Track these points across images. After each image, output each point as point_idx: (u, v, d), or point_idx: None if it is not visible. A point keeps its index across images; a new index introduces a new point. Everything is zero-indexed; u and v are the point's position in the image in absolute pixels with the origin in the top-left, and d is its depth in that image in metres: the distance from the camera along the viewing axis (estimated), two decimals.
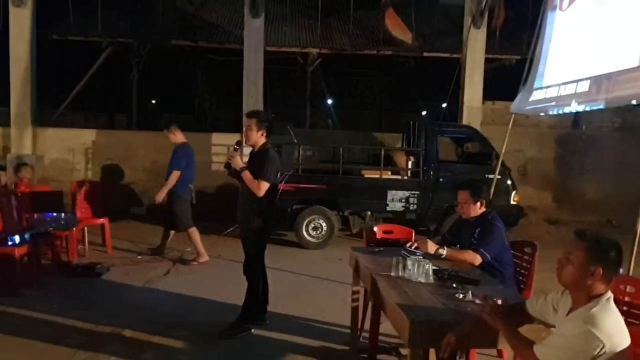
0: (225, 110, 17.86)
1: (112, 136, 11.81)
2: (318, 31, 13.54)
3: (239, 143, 4.47)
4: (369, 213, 8.69)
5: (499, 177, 7.85)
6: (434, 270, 3.41)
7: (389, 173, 8.93)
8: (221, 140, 10.89)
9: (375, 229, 4.92)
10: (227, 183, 9.20)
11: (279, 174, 4.45)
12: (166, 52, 14.78)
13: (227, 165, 4.39)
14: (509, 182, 8.68)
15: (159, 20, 13.62)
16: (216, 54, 14.46)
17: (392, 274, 3.43)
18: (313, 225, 8.51)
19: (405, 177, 8.91)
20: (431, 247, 3.91)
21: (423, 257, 3.52)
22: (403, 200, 8.55)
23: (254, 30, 10.51)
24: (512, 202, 8.64)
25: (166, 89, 19.55)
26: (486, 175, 8.04)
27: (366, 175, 8.82)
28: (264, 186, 4.27)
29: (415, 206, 8.56)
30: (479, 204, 4.10)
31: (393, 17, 13.41)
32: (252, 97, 10.32)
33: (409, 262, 3.41)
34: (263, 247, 4.55)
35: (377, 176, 8.70)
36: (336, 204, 8.63)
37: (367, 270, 3.67)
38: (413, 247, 3.92)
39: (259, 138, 4.42)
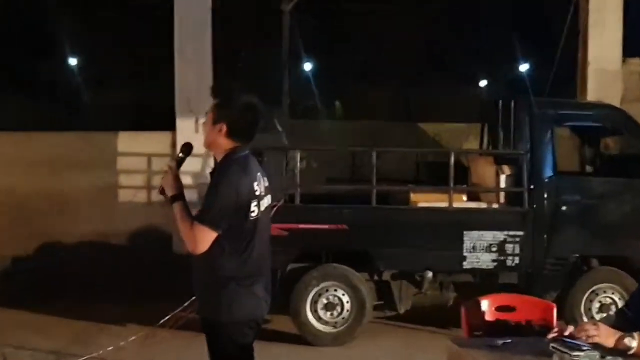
0: (123, 89, 17.66)
1: None
2: None
3: (186, 149, 4.36)
4: (429, 275, 8.22)
5: None
6: None
7: (464, 198, 8.69)
8: (138, 146, 10.65)
9: (484, 303, 4.87)
10: (153, 225, 9.69)
11: (253, 210, 4.20)
12: None
13: (161, 188, 4.34)
14: None
15: None
16: None
17: None
18: (325, 301, 8.19)
19: (496, 206, 8.65)
20: (606, 334, 3.75)
21: (600, 356, 3.56)
22: (494, 249, 8.18)
23: None
24: None
25: None
26: None
27: (420, 204, 8.54)
28: (202, 234, 4.10)
29: (516, 259, 8.19)
30: None
31: None
32: (193, 63, 10.16)
33: None
34: (242, 348, 4.41)
35: (444, 205, 8.38)
36: (367, 259, 8.33)
37: None
38: (555, 331, 3.89)
39: (220, 139, 4.26)
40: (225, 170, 4.25)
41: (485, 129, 9.86)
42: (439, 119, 12.13)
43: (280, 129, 9.16)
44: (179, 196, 4.23)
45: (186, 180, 7.89)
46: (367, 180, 8.61)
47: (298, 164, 8.50)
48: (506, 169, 8.57)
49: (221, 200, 4.14)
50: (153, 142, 10.39)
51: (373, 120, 13.01)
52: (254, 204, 4.23)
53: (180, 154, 4.39)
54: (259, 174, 4.36)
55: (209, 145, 4.37)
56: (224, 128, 4.21)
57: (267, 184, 4.45)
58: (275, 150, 8.64)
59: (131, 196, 10.70)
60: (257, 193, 4.26)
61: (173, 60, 10.53)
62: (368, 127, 12.23)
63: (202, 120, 4.70)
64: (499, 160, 8.81)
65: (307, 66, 16.82)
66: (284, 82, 13.08)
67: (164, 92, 11.09)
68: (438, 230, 8.34)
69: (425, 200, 8.57)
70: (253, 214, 4.23)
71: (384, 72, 18.44)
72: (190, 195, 4.53)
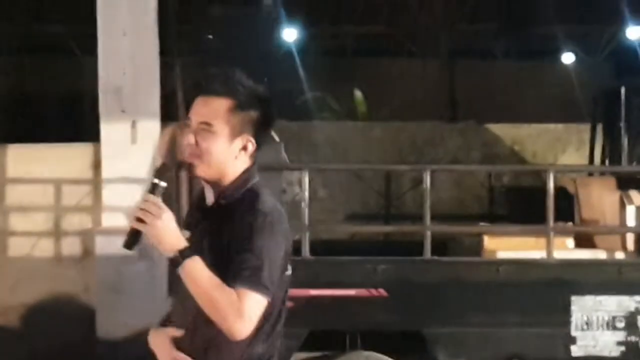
0: (11, 72, 16.81)
1: None
2: None
3: (164, 174, 3.82)
4: None
5: None
6: None
7: (569, 244, 8.09)
8: (39, 167, 9.80)
9: None
10: (65, 295, 9.55)
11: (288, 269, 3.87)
12: None
13: (133, 236, 3.57)
14: None
15: None
16: None
17: None
18: None
19: (622, 255, 7.97)
20: None
21: None
22: (620, 325, 7.52)
23: None
24: None
25: None
26: None
27: (500, 254, 7.99)
28: (255, 306, 3.59)
29: None
30: None
31: None
32: (128, 31, 9.50)
33: None
34: None
35: (539, 255, 7.71)
36: (417, 345, 7.71)
37: None
38: None
39: (239, 163, 3.84)
40: (260, 204, 3.76)
41: (598, 133, 9.38)
42: (514, 117, 11.49)
43: (277, 138, 8.22)
44: (188, 250, 3.54)
45: (117, 219, 8.05)
46: (413, 217, 8.73)
47: (307, 192, 7.73)
48: (636, 197, 7.93)
49: (271, 251, 3.69)
50: (63, 160, 9.17)
51: (415, 121, 12.21)
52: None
53: (157, 181, 3.69)
54: None
55: (210, 175, 3.72)
56: (252, 144, 3.73)
57: None
58: (272, 171, 7.80)
59: (28, 248, 9.73)
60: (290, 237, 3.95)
61: (94, 25, 9.37)
62: (408, 132, 11.64)
63: (172, 130, 5.91)
64: (624, 183, 8.20)
65: (291, 34, 15.39)
66: (271, 61, 12.05)
67: (80, 79, 10.38)
68: (530, 295, 7.46)
69: (508, 247, 7.86)
70: (289, 270, 3.87)
71: (423, 40, 17.40)
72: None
